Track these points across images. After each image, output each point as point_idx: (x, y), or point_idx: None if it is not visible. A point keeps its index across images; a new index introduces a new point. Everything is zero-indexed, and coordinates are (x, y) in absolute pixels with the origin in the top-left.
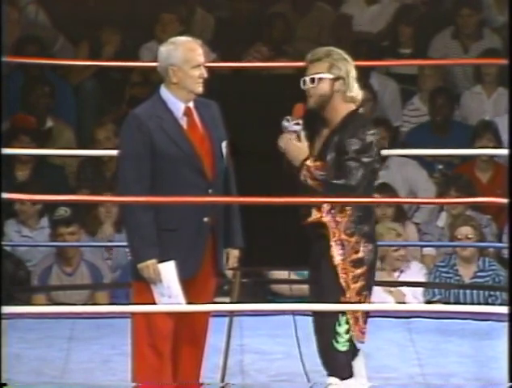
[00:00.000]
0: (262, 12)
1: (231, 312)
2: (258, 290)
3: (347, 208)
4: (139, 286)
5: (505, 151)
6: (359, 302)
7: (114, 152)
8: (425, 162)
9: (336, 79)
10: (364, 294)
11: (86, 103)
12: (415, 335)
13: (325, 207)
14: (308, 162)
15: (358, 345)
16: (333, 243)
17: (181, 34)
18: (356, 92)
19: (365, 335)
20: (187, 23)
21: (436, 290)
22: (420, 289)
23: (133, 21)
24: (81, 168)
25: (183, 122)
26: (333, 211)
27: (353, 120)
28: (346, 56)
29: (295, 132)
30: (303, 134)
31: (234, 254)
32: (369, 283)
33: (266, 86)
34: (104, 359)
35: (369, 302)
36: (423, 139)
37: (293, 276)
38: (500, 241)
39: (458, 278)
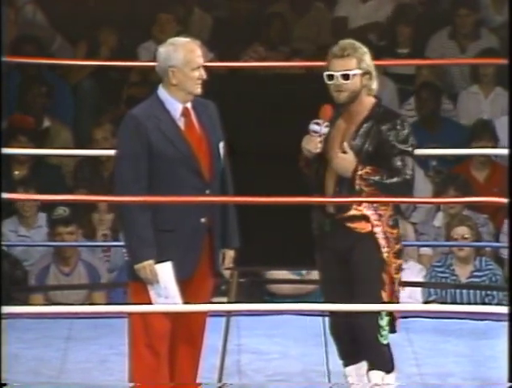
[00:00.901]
0: (259, 12)
1: (228, 312)
2: (255, 290)
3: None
4: (136, 286)
5: (505, 151)
6: (399, 292)
7: (111, 152)
8: (419, 160)
9: (364, 74)
10: (399, 275)
11: (84, 103)
12: (412, 334)
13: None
14: (360, 171)
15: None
16: (379, 236)
17: (178, 34)
18: (376, 85)
19: (398, 326)
20: (185, 23)
21: (432, 290)
22: (417, 289)
23: (131, 21)
24: (79, 168)
25: (181, 123)
26: (374, 205)
27: (384, 111)
28: (366, 49)
29: (324, 135)
30: (345, 144)
31: (230, 254)
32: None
33: (263, 85)
34: (101, 359)
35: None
36: (416, 137)
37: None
38: (497, 240)
39: (454, 278)
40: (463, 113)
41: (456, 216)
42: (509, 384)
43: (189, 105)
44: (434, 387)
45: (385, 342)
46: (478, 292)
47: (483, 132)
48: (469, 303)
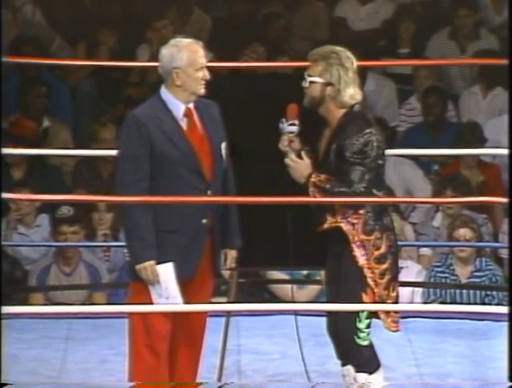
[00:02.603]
0: (258, 12)
1: (228, 312)
2: (255, 290)
3: (360, 210)
4: (136, 287)
5: (505, 151)
6: (387, 295)
7: (111, 152)
8: (420, 162)
9: (327, 84)
10: (392, 286)
11: (83, 103)
12: (412, 334)
13: (339, 212)
14: (313, 179)
15: (380, 360)
16: (354, 246)
17: (178, 34)
18: (349, 97)
19: (398, 324)
20: (184, 24)
21: (432, 290)
22: (418, 290)
23: (130, 21)
24: (78, 168)
25: (183, 123)
26: (346, 215)
27: (348, 121)
28: (345, 60)
29: (291, 133)
30: (303, 153)
31: (232, 254)
32: (395, 273)
33: (263, 85)
34: (101, 359)
35: (396, 291)
36: (418, 139)
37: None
38: (496, 240)
39: (454, 278)
40: (465, 114)
41: (457, 216)
42: (509, 384)
43: (191, 106)
44: (433, 387)
45: (364, 343)
46: (478, 292)
47: (471, 134)
48: (469, 303)
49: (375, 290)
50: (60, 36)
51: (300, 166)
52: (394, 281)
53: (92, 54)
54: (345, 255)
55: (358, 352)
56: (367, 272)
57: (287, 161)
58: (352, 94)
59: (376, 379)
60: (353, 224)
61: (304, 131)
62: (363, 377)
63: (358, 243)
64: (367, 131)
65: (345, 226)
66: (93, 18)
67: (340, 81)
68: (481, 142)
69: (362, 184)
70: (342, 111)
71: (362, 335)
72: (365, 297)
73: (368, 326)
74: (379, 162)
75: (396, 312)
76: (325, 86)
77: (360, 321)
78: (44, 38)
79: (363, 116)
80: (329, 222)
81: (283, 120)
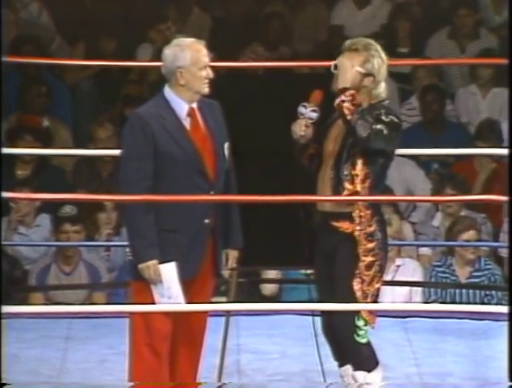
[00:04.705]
0: (258, 12)
1: (228, 312)
2: (255, 290)
3: (368, 178)
4: (138, 286)
5: (504, 151)
6: (371, 280)
7: (112, 152)
8: (420, 161)
9: (367, 75)
10: (374, 272)
11: (83, 103)
12: (412, 334)
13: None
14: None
15: (379, 358)
16: (357, 234)
17: (178, 34)
18: (382, 90)
19: (375, 318)
20: (184, 23)
21: (432, 290)
22: (415, 289)
23: (130, 21)
24: (78, 168)
25: (186, 123)
26: (356, 180)
27: (378, 107)
28: (383, 54)
29: (310, 119)
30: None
31: (233, 254)
32: (381, 263)
33: (263, 85)
34: (101, 359)
35: (380, 285)
36: (417, 138)
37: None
38: (496, 240)
39: (454, 278)
40: (463, 113)
41: (459, 218)
42: (510, 384)
43: (195, 105)
44: (433, 387)
45: (363, 341)
46: (478, 292)
47: (489, 132)
48: (469, 303)
49: (359, 265)
50: (60, 36)
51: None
52: (379, 271)
53: (92, 54)
54: (338, 252)
55: (357, 350)
56: (357, 244)
57: (297, 127)
58: (384, 88)
59: (375, 377)
60: (360, 216)
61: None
62: (361, 375)
63: (361, 235)
64: (399, 117)
65: (355, 216)
66: (93, 19)
67: (380, 72)
68: (499, 140)
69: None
70: (372, 101)
71: (361, 332)
72: (355, 284)
73: (366, 324)
74: (388, 156)
75: (375, 303)
76: (365, 77)
77: (359, 318)
78: (45, 38)
79: (390, 109)
80: (343, 207)
81: (305, 104)
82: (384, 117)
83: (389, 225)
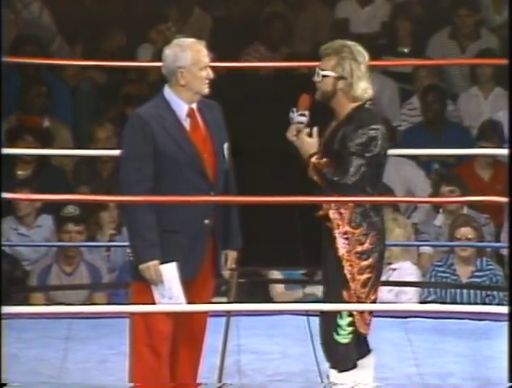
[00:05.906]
0: (259, 12)
1: (228, 312)
2: (255, 290)
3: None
4: (138, 286)
5: (504, 151)
6: (366, 295)
7: (112, 152)
8: (421, 161)
9: (339, 78)
10: (371, 286)
11: (83, 103)
12: (412, 334)
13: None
14: (314, 159)
15: (371, 345)
16: (337, 235)
17: (178, 34)
18: (361, 91)
19: (369, 327)
20: (184, 24)
21: (432, 290)
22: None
23: (130, 21)
24: (78, 168)
25: (186, 123)
26: (338, 204)
27: (358, 114)
28: (358, 54)
29: (300, 123)
30: (315, 130)
31: (232, 255)
32: (377, 275)
33: (263, 86)
34: (101, 359)
35: (376, 295)
36: (417, 138)
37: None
38: (497, 240)
39: (455, 278)
40: (465, 114)
41: (458, 215)
42: (509, 384)
43: (194, 106)
44: (433, 387)
45: (343, 341)
46: (479, 292)
47: (492, 132)
48: (470, 303)
49: (351, 285)
50: (60, 36)
51: (307, 143)
52: (375, 283)
53: (92, 54)
54: (330, 247)
55: (333, 348)
56: (346, 265)
57: (291, 133)
58: (364, 88)
59: (345, 378)
60: (340, 213)
61: (311, 123)
62: (333, 373)
63: (341, 234)
64: (375, 127)
65: (332, 214)
66: (93, 19)
67: (352, 75)
68: (502, 140)
69: (355, 177)
70: (353, 105)
71: (341, 332)
72: (345, 295)
73: (350, 325)
74: (380, 161)
75: (370, 313)
76: (338, 80)
77: (341, 318)
78: (45, 38)
79: (372, 112)
80: (324, 209)
81: (294, 109)
82: (356, 146)
83: (391, 232)
